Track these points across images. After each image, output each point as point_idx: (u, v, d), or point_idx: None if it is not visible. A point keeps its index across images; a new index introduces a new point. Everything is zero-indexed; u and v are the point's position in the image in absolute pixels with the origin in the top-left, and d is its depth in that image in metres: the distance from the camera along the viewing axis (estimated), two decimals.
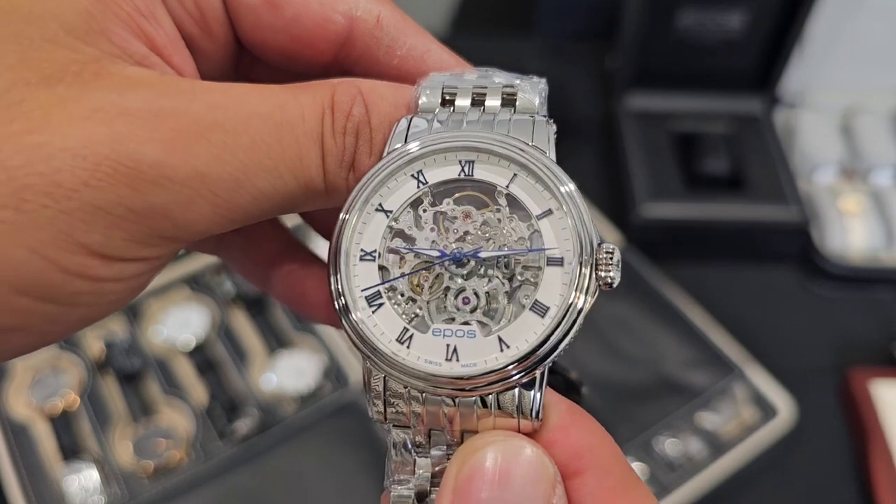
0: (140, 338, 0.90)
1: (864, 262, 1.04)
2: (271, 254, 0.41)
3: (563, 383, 0.39)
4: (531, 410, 0.29)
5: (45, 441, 0.81)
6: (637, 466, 0.82)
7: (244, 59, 0.38)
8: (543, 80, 0.34)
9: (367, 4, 0.35)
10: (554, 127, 0.32)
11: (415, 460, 0.31)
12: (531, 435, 0.29)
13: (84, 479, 0.78)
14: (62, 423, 0.82)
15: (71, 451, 0.80)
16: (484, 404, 0.29)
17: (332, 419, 0.84)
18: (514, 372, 0.29)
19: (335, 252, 0.31)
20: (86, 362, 0.87)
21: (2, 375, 0.85)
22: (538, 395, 0.29)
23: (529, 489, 0.27)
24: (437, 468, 0.31)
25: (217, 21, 0.35)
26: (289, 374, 0.87)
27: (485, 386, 0.29)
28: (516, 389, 0.29)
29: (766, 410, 0.87)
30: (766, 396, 0.88)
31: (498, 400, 0.29)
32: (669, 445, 0.84)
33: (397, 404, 0.30)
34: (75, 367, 0.86)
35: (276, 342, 0.90)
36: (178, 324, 0.90)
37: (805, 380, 0.92)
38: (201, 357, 0.89)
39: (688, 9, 1.04)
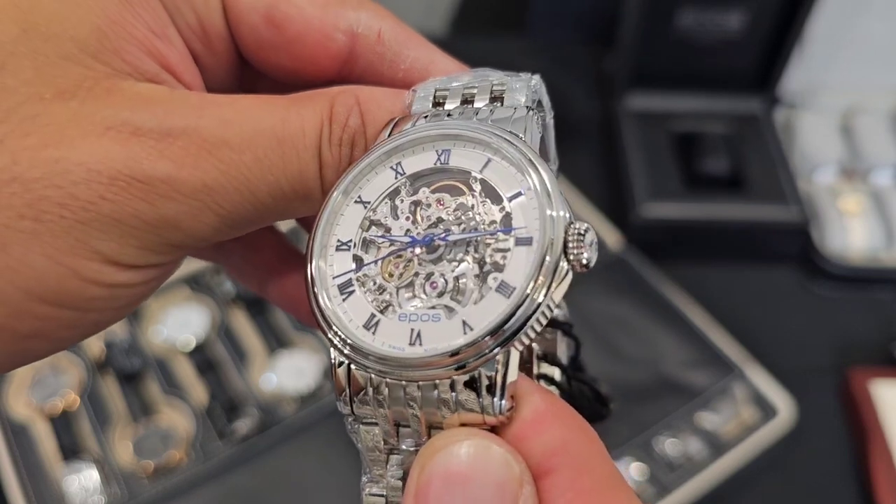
0: (140, 338, 0.90)
1: (864, 262, 1.04)
2: (270, 259, 0.42)
3: (590, 395, 0.38)
4: (494, 409, 0.27)
5: (45, 441, 0.81)
6: (637, 466, 0.82)
7: (248, 72, 0.38)
8: (536, 77, 0.34)
9: (368, 21, 0.35)
10: (536, 117, 0.32)
11: (387, 456, 0.30)
12: (499, 430, 0.28)
13: (84, 479, 0.78)
14: (62, 423, 0.82)
15: (71, 451, 0.80)
16: (446, 399, 0.28)
17: (332, 419, 0.84)
18: (468, 355, 0.27)
19: (311, 249, 0.31)
20: (86, 362, 0.87)
21: (2, 376, 0.85)
22: (501, 403, 0.27)
23: (491, 492, 0.25)
24: (406, 464, 0.30)
25: (219, 38, 0.36)
26: (289, 374, 0.87)
27: (440, 369, 0.28)
28: (481, 384, 0.27)
29: (766, 410, 0.87)
30: (766, 396, 0.88)
31: (459, 398, 0.28)
32: (669, 445, 0.84)
33: (363, 399, 0.29)
34: (75, 367, 0.86)
35: (276, 342, 0.90)
36: (178, 324, 0.90)
37: (805, 380, 0.92)
38: (201, 357, 0.89)
39: (687, 9, 1.04)
